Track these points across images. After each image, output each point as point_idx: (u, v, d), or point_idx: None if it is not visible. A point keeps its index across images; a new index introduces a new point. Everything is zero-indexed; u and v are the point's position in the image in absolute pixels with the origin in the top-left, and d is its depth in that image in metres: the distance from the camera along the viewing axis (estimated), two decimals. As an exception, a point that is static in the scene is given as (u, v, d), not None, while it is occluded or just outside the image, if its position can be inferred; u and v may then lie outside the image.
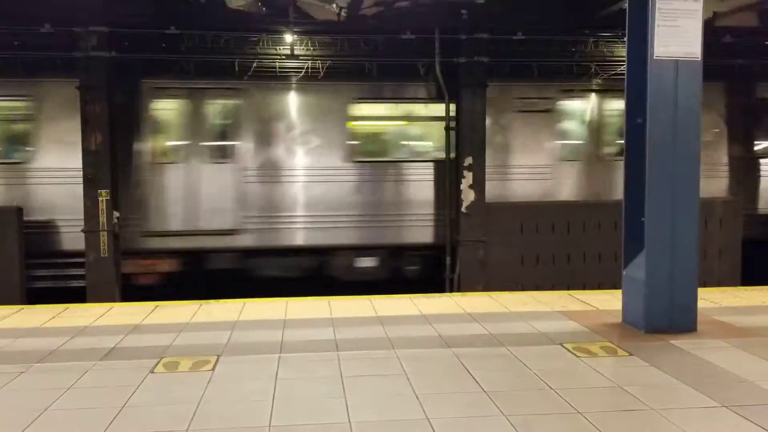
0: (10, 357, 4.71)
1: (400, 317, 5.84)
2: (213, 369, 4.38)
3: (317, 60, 10.60)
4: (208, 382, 4.11)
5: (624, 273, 5.51)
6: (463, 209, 10.55)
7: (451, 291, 10.50)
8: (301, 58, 10.66)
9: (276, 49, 10.64)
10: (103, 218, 9.86)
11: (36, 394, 3.93)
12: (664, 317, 5.19)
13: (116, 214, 10.01)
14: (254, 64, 10.47)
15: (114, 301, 9.46)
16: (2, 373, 4.29)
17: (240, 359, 4.62)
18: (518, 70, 10.92)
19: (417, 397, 3.82)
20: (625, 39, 5.48)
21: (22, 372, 4.35)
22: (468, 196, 10.56)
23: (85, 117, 9.85)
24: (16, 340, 5.16)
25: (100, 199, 9.85)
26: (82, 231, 9.89)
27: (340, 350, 4.80)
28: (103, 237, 9.88)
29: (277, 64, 10.62)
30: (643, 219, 5.20)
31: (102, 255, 9.89)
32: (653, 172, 5.14)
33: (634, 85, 5.30)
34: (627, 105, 5.44)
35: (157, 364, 4.49)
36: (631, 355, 4.65)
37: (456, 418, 3.54)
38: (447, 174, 10.89)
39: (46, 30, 9.71)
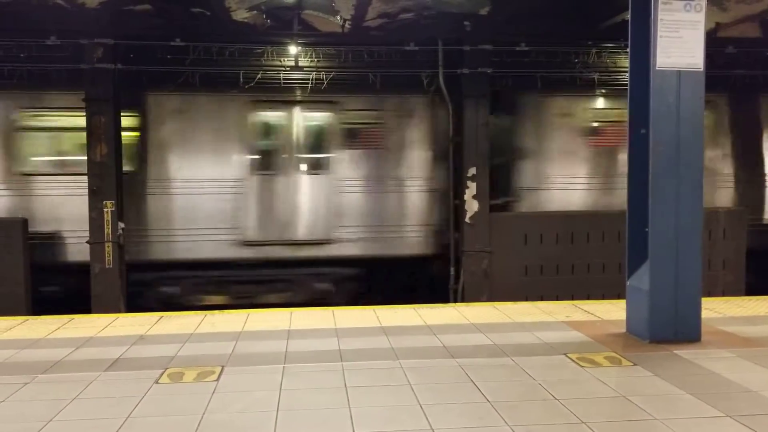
0: (15, 368, 4.73)
1: (405, 328, 5.84)
2: (217, 379, 4.39)
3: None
4: (213, 393, 4.12)
5: (628, 283, 5.50)
6: (467, 219, 10.57)
7: (455, 301, 10.50)
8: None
9: (281, 61, 10.72)
10: (108, 229, 9.90)
11: (41, 405, 3.94)
12: (668, 327, 5.18)
13: (121, 225, 10.05)
14: None
15: (119, 311, 9.48)
16: (7, 384, 4.31)
17: (244, 370, 4.63)
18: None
19: (421, 408, 3.82)
20: (628, 50, 5.50)
21: (27, 383, 4.36)
22: (472, 206, 10.58)
23: (90, 128, 9.92)
24: (21, 351, 5.18)
25: (106, 210, 9.90)
26: (87, 242, 9.93)
27: (344, 361, 4.80)
28: (108, 248, 9.92)
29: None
30: (646, 229, 5.20)
31: (107, 266, 9.92)
32: (656, 182, 5.15)
33: (637, 96, 5.32)
34: (630, 116, 5.45)
35: (161, 375, 4.50)
36: (635, 365, 4.65)
37: (460, 429, 3.54)
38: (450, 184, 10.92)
39: (52, 42, 9.81)
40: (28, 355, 5.09)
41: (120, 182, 10.15)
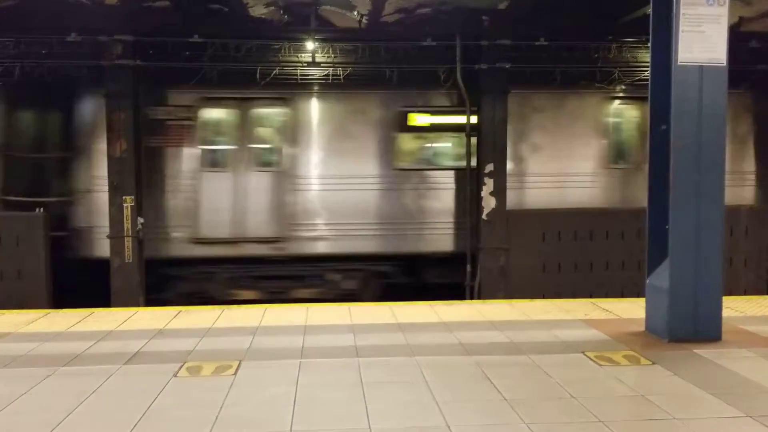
0: (37, 360, 4.79)
1: (421, 324, 5.84)
2: (235, 373, 4.42)
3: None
4: (230, 387, 4.15)
5: (647, 281, 5.45)
6: (483, 216, 10.53)
7: (472, 298, 10.47)
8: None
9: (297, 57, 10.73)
10: (127, 224, 9.99)
11: (62, 397, 3.99)
12: (688, 326, 5.13)
13: (140, 220, 10.14)
14: None
15: (138, 305, 9.57)
16: (30, 377, 4.37)
17: (262, 364, 4.66)
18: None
19: (437, 405, 3.82)
20: (649, 45, 5.44)
21: (49, 375, 4.42)
22: (489, 203, 10.53)
23: (110, 125, 10.01)
24: (43, 344, 5.25)
25: (125, 205, 9.99)
26: (108, 237, 10.03)
27: (360, 357, 4.81)
28: (128, 243, 10.01)
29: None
30: (667, 227, 5.15)
31: (126, 261, 10.02)
32: (677, 179, 5.09)
33: (658, 92, 5.26)
34: (651, 111, 5.39)
35: (180, 369, 4.54)
36: (654, 363, 4.60)
37: (476, 426, 3.53)
38: (468, 181, 10.88)
39: (73, 39, 9.90)
40: (49, 347, 5.15)
41: (139, 178, 10.23)
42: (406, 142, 11.04)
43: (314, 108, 10.99)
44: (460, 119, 10.86)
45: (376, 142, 10.95)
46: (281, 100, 10.79)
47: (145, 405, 3.83)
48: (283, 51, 10.51)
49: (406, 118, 10.95)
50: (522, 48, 10.49)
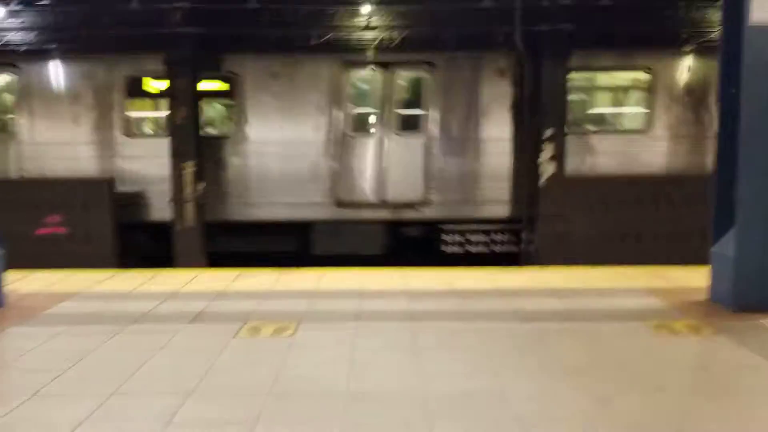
0: (106, 318, 5.02)
1: (477, 291, 5.83)
2: (293, 335, 4.54)
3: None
4: (289, 347, 4.26)
5: (712, 249, 5.28)
6: (542, 182, 10.36)
7: (529, 265, 10.37)
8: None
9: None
10: (188, 189, 10.27)
11: (131, 353, 4.18)
12: (755, 295, 4.96)
13: (201, 185, 10.39)
14: None
15: (199, 267, 9.87)
16: (100, 333, 4.59)
17: (319, 326, 4.76)
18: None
19: (492, 370, 3.83)
20: (720, 3, 5.18)
21: (118, 333, 4.63)
22: (547, 168, 10.35)
23: (171, 92, 10.24)
24: (112, 303, 5.49)
25: (186, 171, 10.25)
26: (170, 201, 10.35)
27: (416, 321, 4.85)
28: (189, 207, 10.31)
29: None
30: (735, 193, 4.96)
31: (188, 224, 10.33)
32: (747, 145, 4.88)
33: (729, 53, 5.02)
34: (720, 73, 5.16)
35: (241, 329, 4.68)
36: (717, 334, 4.48)
37: (531, 392, 3.52)
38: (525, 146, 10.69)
39: (134, 7, 10.09)
40: (118, 306, 5.39)
41: (199, 144, 10.46)
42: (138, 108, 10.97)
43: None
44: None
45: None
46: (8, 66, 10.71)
47: (210, 362, 3.98)
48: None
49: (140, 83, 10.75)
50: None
